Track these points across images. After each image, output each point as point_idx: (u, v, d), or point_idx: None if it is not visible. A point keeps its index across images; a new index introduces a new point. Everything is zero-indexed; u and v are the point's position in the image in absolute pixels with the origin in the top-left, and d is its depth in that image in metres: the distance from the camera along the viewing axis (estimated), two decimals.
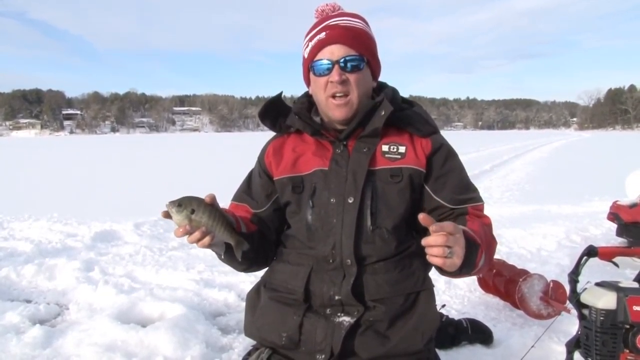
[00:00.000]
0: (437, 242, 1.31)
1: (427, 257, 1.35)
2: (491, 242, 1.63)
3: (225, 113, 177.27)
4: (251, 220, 1.76)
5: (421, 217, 1.33)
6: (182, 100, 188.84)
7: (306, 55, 1.68)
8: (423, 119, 1.70)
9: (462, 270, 1.43)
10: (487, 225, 1.66)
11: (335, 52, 1.60)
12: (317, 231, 1.65)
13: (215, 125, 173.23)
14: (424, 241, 1.33)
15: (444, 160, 1.69)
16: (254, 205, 1.80)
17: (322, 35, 1.62)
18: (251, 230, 1.70)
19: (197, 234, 1.43)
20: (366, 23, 1.69)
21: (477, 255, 1.47)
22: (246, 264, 1.70)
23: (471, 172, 12.52)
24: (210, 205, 1.46)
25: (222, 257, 1.62)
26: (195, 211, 1.42)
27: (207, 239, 1.45)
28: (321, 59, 1.62)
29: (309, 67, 1.67)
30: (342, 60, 1.59)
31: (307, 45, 1.67)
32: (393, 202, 1.63)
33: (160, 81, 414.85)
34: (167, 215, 1.44)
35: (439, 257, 1.32)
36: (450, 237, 1.32)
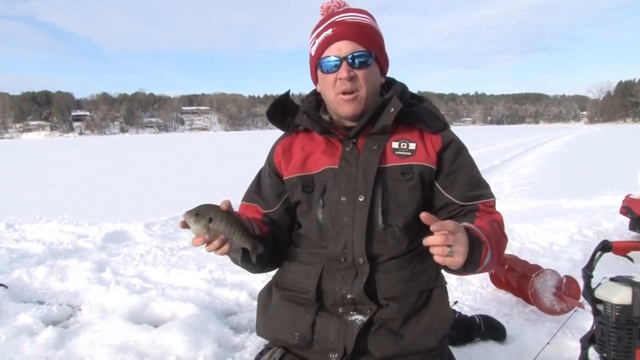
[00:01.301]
0: (436, 241, 1.32)
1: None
2: (500, 239, 1.60)
3: (234, 112, 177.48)
4: (262, 221, 1.75)
5: (423, 215, 1.33)
6: (190, 100, 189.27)
7: (313, 53, 1.66)
8: (433, 114, 1.68)
9: (466, 268, 1.42)
10: (496, 221, 1.64)
11: (342, 48, 1.58)
12: (328, 230, 1.64)
13: (224, 124, 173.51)
14: (425, 241, 1.33)
15: (454, 157, 1.67)
16: (265, 206, 1.79)
17: (329, 31, 1.60)
18: (264, 232, 1.69)
19: (216, 243, 1.42)
20: (373, 18, 1.67)
21: (482, 253, 1.45)
22: (260, 266, 1.70)
23: (481, 167, 12.43)
24: (227, 212, 1.45)
25: (239, 262, 1.62)
26: (213, 219, 1.42)
27: (225, 247, 1.45)
28: (329, 56, 1.60)
29: (317, 64, 1.65)
30: (350, 57, 1.57)
31: (314, 42, 1.65)
32: (404, 200, 1.61)
33: (169, 81, 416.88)
34: (184, 225, 1.42)
35: (440, 256, 1.32)
36: (450, 236, 1.31)
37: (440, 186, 1.66)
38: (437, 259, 1.34)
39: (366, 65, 1.60)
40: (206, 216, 1.41)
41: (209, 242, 1.42)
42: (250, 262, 1.58)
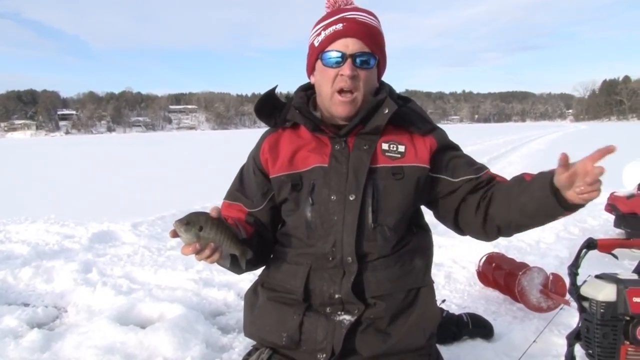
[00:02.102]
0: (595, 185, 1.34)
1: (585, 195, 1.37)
2: None
3: (222, 110, 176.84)
4: (247, 221, 1.74)
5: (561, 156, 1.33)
6: (178, 99, 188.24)
7: (317, 44, 1.64)
8: (421, 116, 1.70)
9: None
10: None
11: (350, 45, 1.58)
12: (316, 229, 1.64)
13: (212, 123, 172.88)
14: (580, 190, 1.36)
15: (450, 151, 1.72)
16: (249, 204, 1.78)
17: (339, 26, 1.59)
18: (250, 234, 1.68)
19: (206, 252, 1.41)
20: (379, 21, 1.68)
21: None
22: (247, 269, 1.69)
23: None
24: (217, 220, 1.44)
25: (227, 267, 1.61)
26: (204, 228, 1.40)
27: (216, 255, 1.44)
28: (334, 50, 1.59)
29: (318, 56, 1.63)
30: (355, 55, 1.57)
31: (320, 33, 1.63)
32: (394, 200, 1.62)
33: (156, 80, 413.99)
34: (175, 234, 1.41)
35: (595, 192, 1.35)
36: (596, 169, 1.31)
37: (446, 176, 1.69)
38: (593, 194, 1.36)
39: (368, 66, 1.60)
40: (197, 225, 1.39)
41: (199, 251, 1.40)
42: (239, 267, 1.58)
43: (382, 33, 1.68)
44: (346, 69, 1.56)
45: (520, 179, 1.57)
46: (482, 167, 1.74)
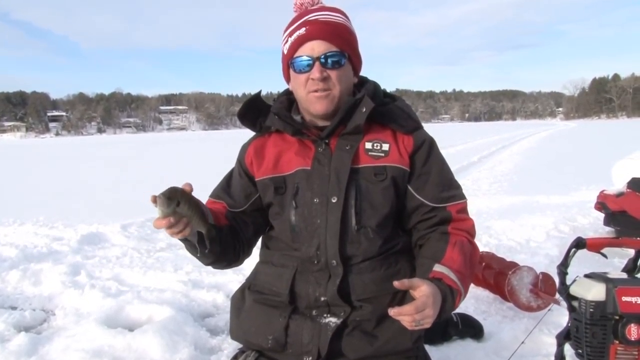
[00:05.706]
0: (404, 319, 1.38)
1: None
2: (473, 260, 1.64)
3: (212, 111, 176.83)
4: (225, 215, 1.72)
5: (396, 284, 1.39)
6: (168, 99, 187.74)
7: (285, 52, 1.64)
8: (406, 114, 1.68)
9: (441, 319, 1.47)
10: (467, 236, 1.67)
11: (315, 48, 1.56)
12: (301, 232, 1.63)
13: (203, 124, 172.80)
14: (391, 313, 1.39)
15: (426, 157, 1.66)
16: (231, 204, 1.76)
17: (302, 30, 1.58)
18: (221, 224, 1.65)
19: (180, 226, 1.41)
20: (346, 17, 1.66)
21: (455, 301, 1.50)
22: (212, 258, 1.64)
23: (459, 164, 12.59)
24: (190, 196, 1.45)
25: (196, 246, 1.56)
26: (180, 203, 1.42)
27: (187, 230, 1.43)
28: (301, 56, 1.58)
29: (289, 63, 1.63)
30: (322, 57, 1.56)
31: (287, 40, 1.63)
32: (377, 201, 1.61)
33: (146, 80, 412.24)
34: (155, 201, 1.41)
35: (409, 327, 1.40)
36: (417, 315, 1.37)
37: (412, 188, 1.65)
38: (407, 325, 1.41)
39: (339, 65, 1.59)
40: (175, 200, 1.41)
41: (172, 225, 1.40)
42: (204, 246, 1.54)
43: (350, 28, 1.65)
44: (315, 72, 1.55)
45: (423, 271, 1.58)
46: (449, 197, 1.67)
